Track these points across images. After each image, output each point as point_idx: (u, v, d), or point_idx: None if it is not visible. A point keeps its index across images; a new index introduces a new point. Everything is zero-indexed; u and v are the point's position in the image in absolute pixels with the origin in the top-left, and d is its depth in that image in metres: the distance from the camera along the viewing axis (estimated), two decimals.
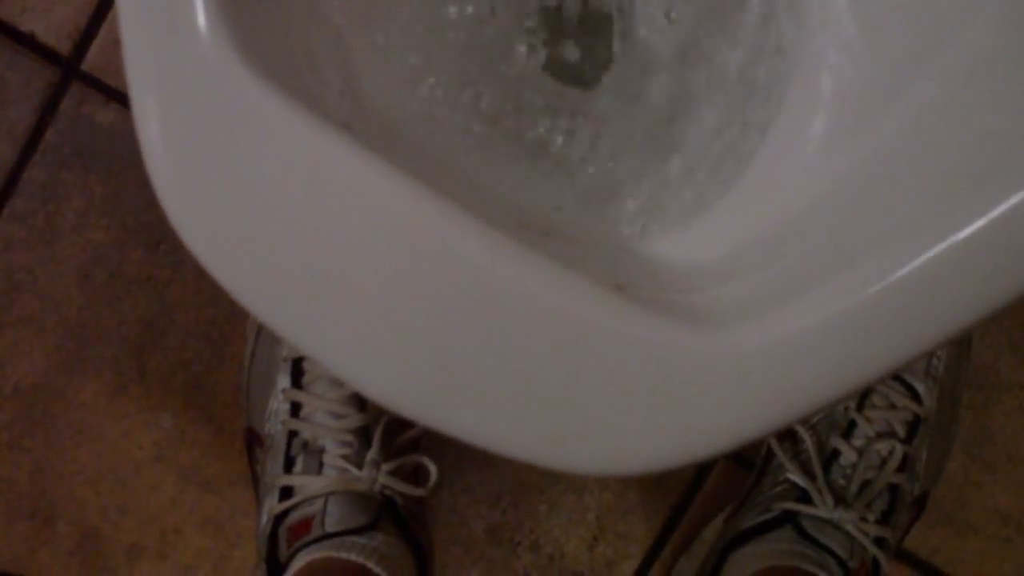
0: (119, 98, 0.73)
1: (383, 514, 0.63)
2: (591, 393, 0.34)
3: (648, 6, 0.47)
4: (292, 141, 0.34)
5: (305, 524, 0.62)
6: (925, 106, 0.38)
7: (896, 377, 0.66)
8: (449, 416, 0.35)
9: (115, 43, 0.73)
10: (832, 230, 0.38)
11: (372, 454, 0.64)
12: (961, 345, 0.69)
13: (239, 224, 0.34)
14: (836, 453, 0.64)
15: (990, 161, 0.33)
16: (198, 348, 0.75)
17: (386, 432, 0.65)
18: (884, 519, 0.63)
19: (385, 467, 0.64)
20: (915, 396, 0.65)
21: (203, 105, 0.34)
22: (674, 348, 0.34)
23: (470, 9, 0.46)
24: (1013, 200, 0.31)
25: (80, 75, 0.73)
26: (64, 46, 0.73)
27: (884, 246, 0.33)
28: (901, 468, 0.64)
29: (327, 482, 0.63)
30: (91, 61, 0.73)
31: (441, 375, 0.35)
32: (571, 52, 0.49)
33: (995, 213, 0.31)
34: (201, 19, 0.33)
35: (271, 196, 0.34)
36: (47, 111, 0.73)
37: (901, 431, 0.65)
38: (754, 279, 0.38)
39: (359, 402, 0.65)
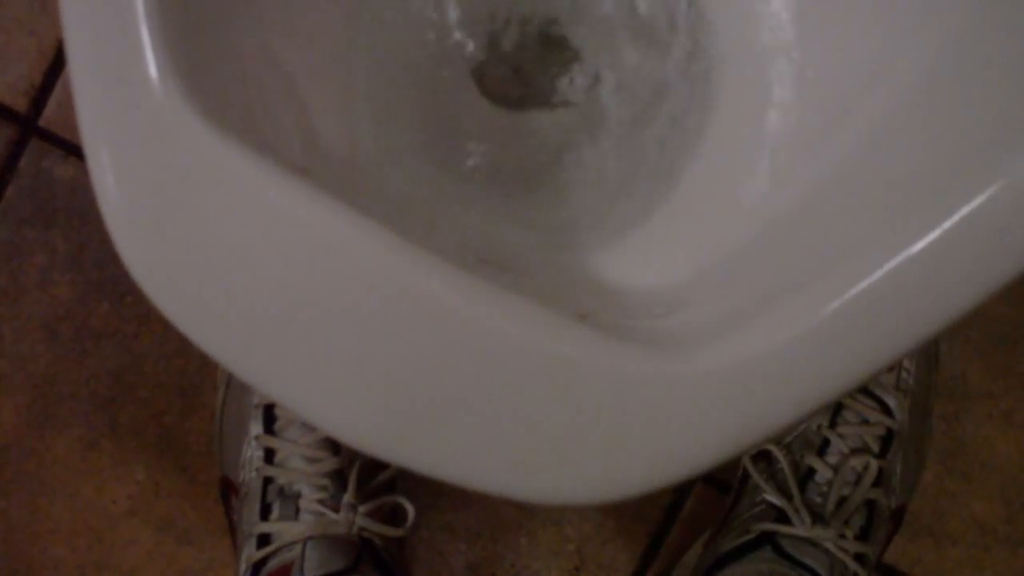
0: (78, 152, 0.73)
1: (362, 556, 0.63)
2: (557, 423, 0.34)
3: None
4: (248, 188, 0.34)
5: (284, 571, 0.62)
6: (870, 127, 0.38)
7: (867, 392, 0.66)
8: (418, 453, 0.35)
9: (72, 98, 0.73)
10: (785, 253, 0.38)
11: (348, 497, 0.63)
12: (929, 356, 0.69)
13: (200, 275, 0.34)
14: (811, 471, 0.65)
15: (938, 175, 0.33)
16: (169, 399, 0.74)
17: (361, 474, 0.64)
18: (863, 535, 0.63)
19: (362, 509, 0.63)
20: (887, 410, 0.66)
21: (157, 156, 0.34)
22: (638, 374, 0.34)
23: (422, 50, 0.46)
24: (964, 211, 0.31)
25: (38, 131, 0.73)
26: (20, 103, 0.73)
27: (839, 265, 0.33)
28: (877, 483, 0.64)
29: (304, 527, 0.63)
30: (48, 117, 0.73)
31: (407, 413, 0.35)
32: (517, 79, 0.49)
33: (947, 225, 0.31)
34: (152, 69, 0.34)
35: (231, 245, 0.34)
36: (7, 169, 0.73)
37: (875, 446, 0.65)
38: (714, 303, 0.38)
39: (333, 445, 0.65)
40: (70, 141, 0.73)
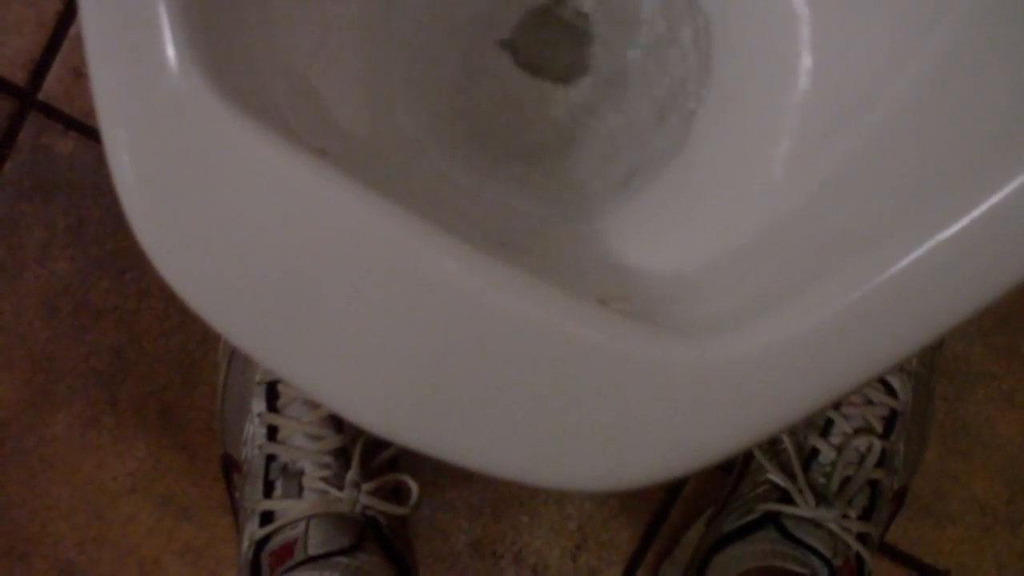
0: (78, 127, 0.72)
1: (366, 534, 0.63)
2: (579, 408, 0.34)
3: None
4: (265, 168, 0.34)
5: (287, 548, 0.62)
6: (893, 113, 0.38)
7: None
8: (429, 436, 0.35)
9: (72, 72, 0.72)
10: (812, 236, 0.38)
11: (352, 475, 0.63)
12: None
13: (215, 253, 0.34)
14: (815, 452, 0.65)
15: (966, 161, 0.33)
16: (169, 376, 0.74)
17: (365, 452, 0.64)
18: (866, 515, 0.64)
19: (365, 487, 0.63)
20: (890, 391, 0.66)
21: (175, 136, 0.34)
22: (661, 359, 0.34)
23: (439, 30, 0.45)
24: (994, 199, 0.31)
25: (37, 105, 0.72)
26: (20, 77, 0.72)
27: (867, 249, 0.33)
28: (880, 463, 0.64)
29: (308, 505, 0.63)
30: (48, 91, 0.72)
31: (421, 395, 0.35)
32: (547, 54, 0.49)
33: (977, 212, 0.31)
34: (170, 50, 0.33)
35: (247, 224, 0.34)
36: (5, 143, 0.72)
37: (878, 426, 0.65)
38: (738, 288, 0.37)
39: (336, 423, 0.65)
40: (70, 115, 0.72)
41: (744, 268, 0.39)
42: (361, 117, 0.43)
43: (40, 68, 0.72)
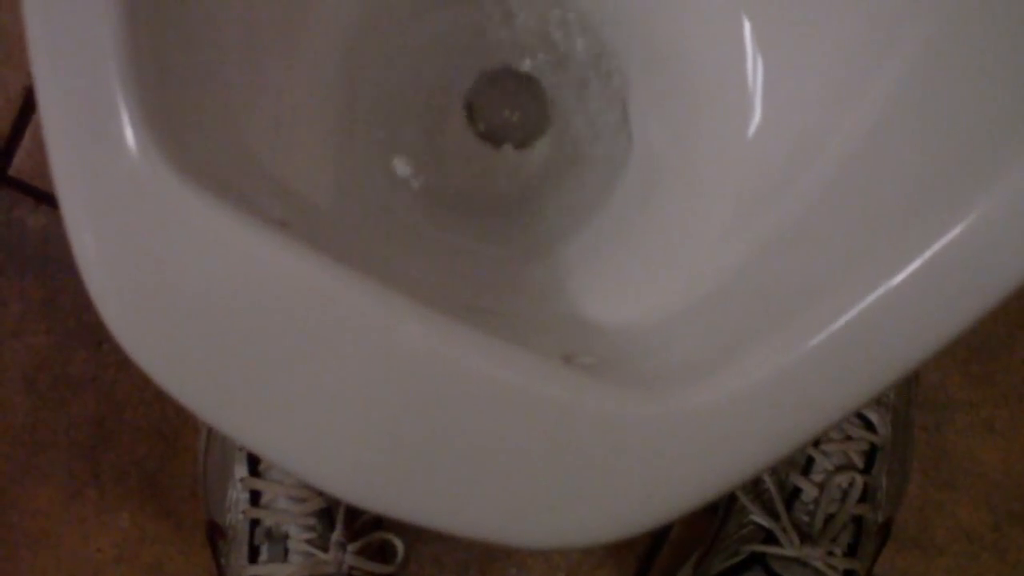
0: (49, 200, 0.72)
1: None
2: (548, 467, 0.34)
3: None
4: (225, 243, 0.34)
5: None
6: (838, 163, 0.39)
7: None
8: (404, 502, 0.35)
9: (41, 146, 0.72)
10: (769, 284, 0.38)
11: (336, 536, 0.63)
12: None
13: (181, 331, 0.34)
14: (797, 490, 0.65)
15: (913, 207, 0.34)
16: (151, 444, 0.74)
17: (349, 512, 0.64)
18: (851, 551, 0.64)
19: (351, 547, 0.63)
20: (869, 425, 0.66)
21: (135, 215, 0.34)
22: (625, 414, 0.34)
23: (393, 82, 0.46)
24: (940, 243, 0.32)
25: (8, 181, 0.72)
26: None
27: (819, 298, 0.33)
28: (863, 498, 0.64)
29: (293, 569, 0.62)
30: (18, 166, 0.73)
31: (392, 461, 0.35)
32: (507, 115, 0.50)
33: (925, 256, 0.32)
34: (128, 130, 0.33)
35: (208, 299, 0.34)
36: None
37: (859, 461, 0.65)
38: (698, 339, 0.38)
39: None
40: (41, 189, 0.72)
41: (703, 318, 0.39)
42: (323, 186, 0.44)
43: (9, 144, 0.72)
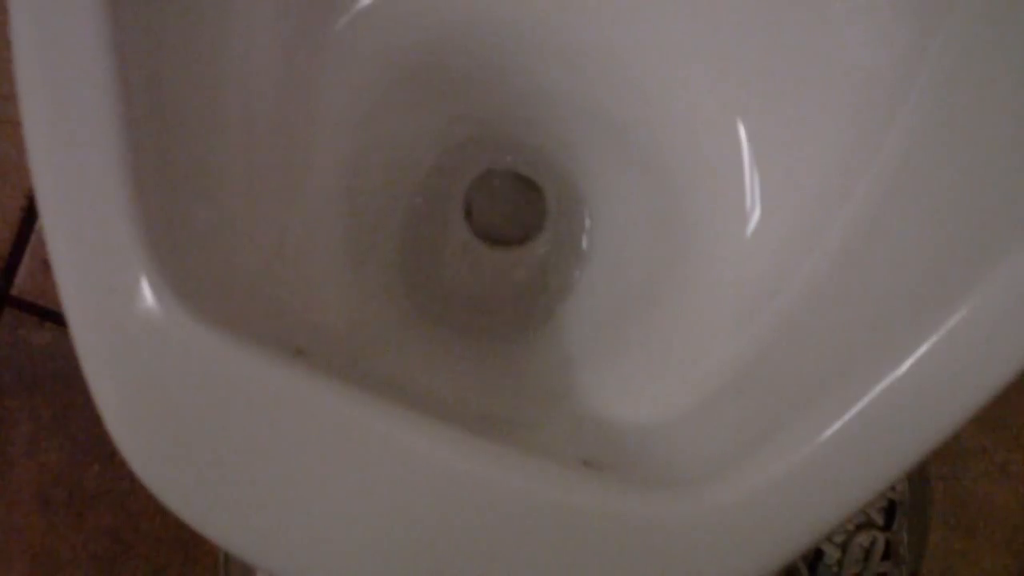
0: (54, 318, 0.73)
1: None
2: (579, 574, 0.34)
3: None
4: (241, 379, 0.34)
5: None
6: (842, 251, 0.39)
7: None
8: None
9: (42, 264, 0.73)
10: (774, 382, 0.39)
11: None
12: None
13: (207, 473, 0.34)
14: (820, 553, 0.65)
15: (915, 292, 0.34)
16: (170, 554, 0.74)
17: None
18: None
19: None
20: None
21: (153, 360, 0.34)
22: (650, 516, 0.34)
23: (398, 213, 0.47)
24: (941, 332, 0.32)
25: (11, 301, 0.73)
26: None
27: (827, 391, 0.33)
28: (886, 556, 0.64)
29: None
30: (20, 285, 0.73)
31: None
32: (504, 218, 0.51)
33: (926, 345, 0.32)
34: (142, 278, 0.34)
35: (227, 434, 0.35)
36: None
37: (879, 519, 0.65)
38: (711, 438, 0.38)
39: None
40: (44, 307, 0.73)
41: (715, 415, 0.40)
42: (335, 312, 0.44)
43: (10, 265, 0.73)
